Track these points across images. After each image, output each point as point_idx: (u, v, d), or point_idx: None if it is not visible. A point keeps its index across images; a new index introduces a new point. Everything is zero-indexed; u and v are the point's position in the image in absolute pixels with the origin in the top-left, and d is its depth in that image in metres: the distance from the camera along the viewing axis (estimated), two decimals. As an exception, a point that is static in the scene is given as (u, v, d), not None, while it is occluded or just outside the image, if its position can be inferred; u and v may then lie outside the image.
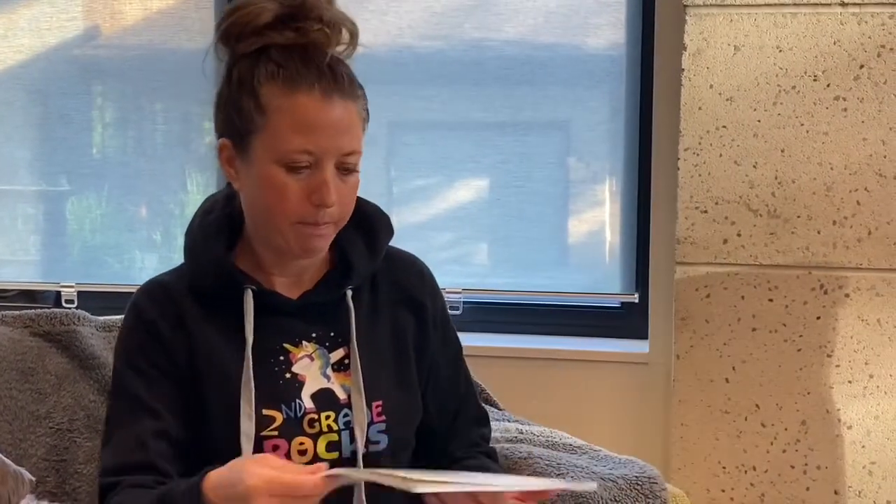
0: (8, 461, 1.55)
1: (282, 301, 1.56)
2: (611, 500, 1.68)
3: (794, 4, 2.43)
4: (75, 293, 2.87)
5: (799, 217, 2.47)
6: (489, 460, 1.71)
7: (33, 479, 1.56)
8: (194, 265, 1.58)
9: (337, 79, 1.47)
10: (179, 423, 1.53)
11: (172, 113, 2.99)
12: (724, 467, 2.55)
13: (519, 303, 2.90)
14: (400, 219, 2.87)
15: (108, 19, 2.99)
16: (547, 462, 1.76)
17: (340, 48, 1.52)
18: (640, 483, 1.73)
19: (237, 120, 1.48)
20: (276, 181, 1.46)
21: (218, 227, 1.57)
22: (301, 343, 1.57)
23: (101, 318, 2.03)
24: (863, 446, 2.50)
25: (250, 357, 1.51)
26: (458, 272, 2.86)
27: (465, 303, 2.83)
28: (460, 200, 2.90)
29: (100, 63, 3.01)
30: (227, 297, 1.54)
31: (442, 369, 1.69)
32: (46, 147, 3.00)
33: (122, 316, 2.03)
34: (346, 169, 1.49)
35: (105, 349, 1.97)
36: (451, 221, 2.90)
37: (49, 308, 2.09)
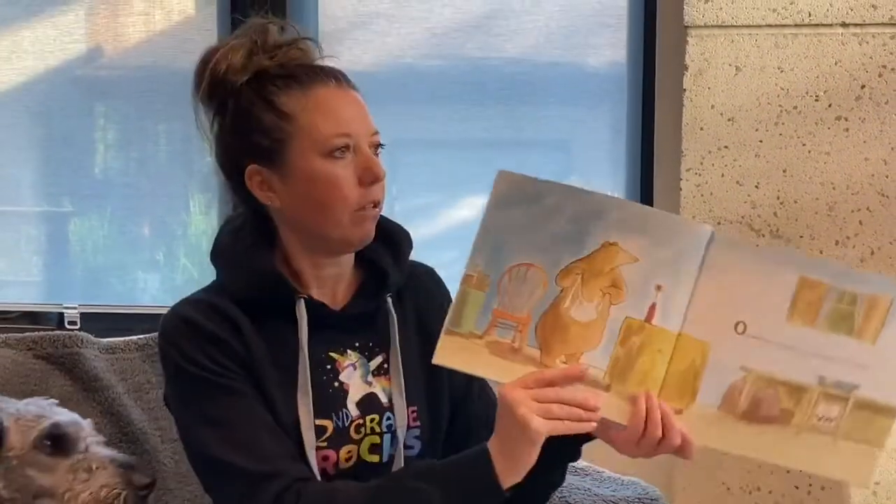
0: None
1: (328, 312, 1.57)
2: (614, 521, 1.68)
3: (796, 25, 2.44)
4: (78, 314, 2.86)
5: (801, 237, 2.47)
6: None
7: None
8: (242, 278, 1.56)
9: (340, 73, 1.56)
10: (269, 421, 1.51)
11: (175, 133, 3.00)
12: (728, 488, 2.54)
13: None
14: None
15: (110, 41, 2.99)
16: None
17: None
18: (644, 504, 1.73)
19: (262, 139, 1.51)
20: (328, 174, 1.50)
21: (256, 241, 1.58)
22: (346, 352, 1.59)
23: (104, 340, 2.04)
24: (866, 466, 2.49)
25: (307, 367, 1.52)
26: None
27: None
28: (462, 219, 2.90)
29: (102, 84, 3.01)
30: (274, 308, 1.54)
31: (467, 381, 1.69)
32: (49, 168, 2.99)
33: (126, 339, 2.06)
34: (376, 148, 1.54)
35: (108, 371, 1.98)
36: (453, 240, 2.90)
37: (52, 330, 2.09)
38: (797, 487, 2.51)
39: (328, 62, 1.59)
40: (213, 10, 2.91)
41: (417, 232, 2.83)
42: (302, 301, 1.54)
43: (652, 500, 1.75)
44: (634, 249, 1.38)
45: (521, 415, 1.32)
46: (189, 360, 1.50)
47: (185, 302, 1.58)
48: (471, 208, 2.89)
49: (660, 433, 1.35)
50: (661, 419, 1.35)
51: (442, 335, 1.42)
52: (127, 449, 1.87)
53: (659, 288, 1.37)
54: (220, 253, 1.60)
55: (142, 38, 2.98)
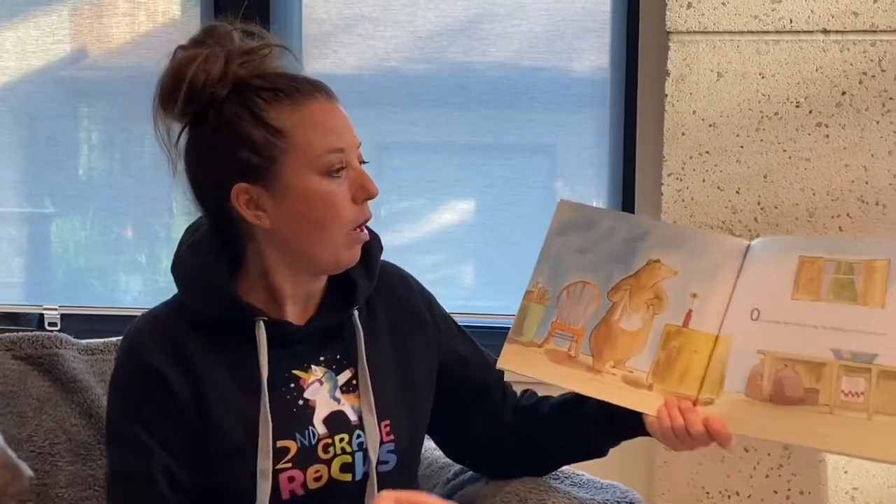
0: (10, 452, 1.53)
1: (291, 329, 1.54)
2: (592, 525, 1.68)
3: (777, 31, 2.45)
4: (58, 316, 2.86)
5: (781, 242, 2.48)
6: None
7: (32, 474, 1.55)
8: (198, 299, 1.53)
9: (324, 85, 1.52)
10: (187, 469, 1.50)
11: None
12: (707, 492, 2.55)
13: (505, 326, 2.88)
14: (386, 241, 2.88)
15: (94, 42, 2.99)
16: (530, 487, 1.75)
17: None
18: (622, 508, 1.72)
19: (251, 156, 1.45)
20: (324, 191, 1.46)
21: (216, 260, 1.53)
22: (310, 367, 1.55)
23: (84, 341, 2.03)
24: (845, 472, 2.50)
25: (266, 391, 1.49)
26: (444, 295, 2.85)
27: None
28: (445, 223, 2.90)
29: (86, 85, 3.01)
30: (232, 331, 1.51)
31: (462, 351, 1.71)
32: (31, 169, 2.99)
33: (105, 340, 2.05)
34: (362, 162, 1.52)
35: (87, 373, 1.97)
36: (436, 244, 2.91)
37: (32, 331, 2.08)
38: (776, 492, 2.52)
39: (296, 67, 1.56)
40: (197, 11, 2.91)
41: (401, 236, 2.85)
42: (261, 323, 1.50)
43: (631, 503, 1.74)
44: (673, 264, 1.54)
45: None
46: (119, 388, 1.53)
47: (146, 318, 1.56)
48: (454, 212, 2.90)
49: (682, 422, 1.45)
50: (683, 410, 1.45)
51: (505, 344, 1.61)
52: (105, 450, 1.86)
53: (694, 296, 1.51)
54: (178, 270, 1.56)
55: (126, 40, 2.98)
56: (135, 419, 1.50)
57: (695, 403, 1.48)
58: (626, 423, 1.57)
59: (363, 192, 1.49)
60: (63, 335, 2.01)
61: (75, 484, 1.88)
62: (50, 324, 2.85)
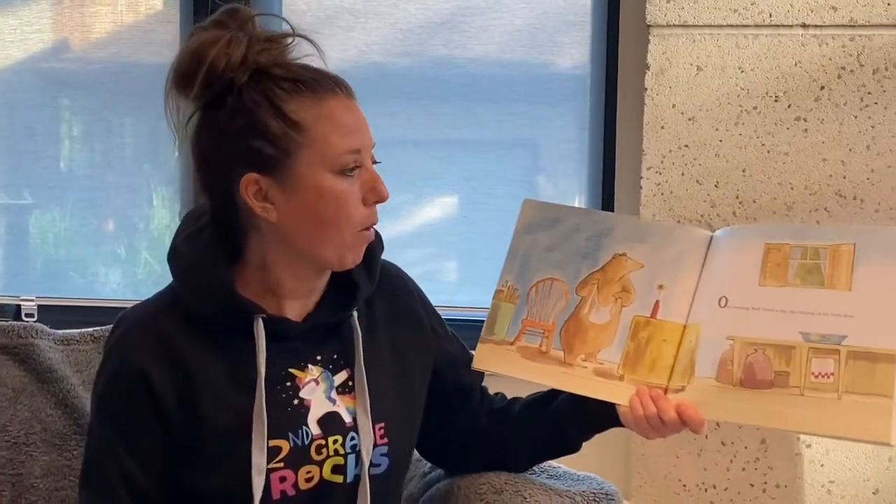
0: None
1: (289, 326, 1.52)
2: (568, 516, 1.68)
3: (756, 26, 2.46)
4: (35, 307, 2.85)
5: (760, 236, 2.49)
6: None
7: None
8: (196, 294, 1.50)
9: (344, 82, 1.50)
10: (157, 478, 1.49)
11: (140, 127, 2.99)
12: (684, 485, 2.55)
13: (487, 320, 2.90)
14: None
15: (76, 33, 2.98)
16: (506, 479, 1.75)
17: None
18: (598, 499, 1.72)
19: (266, 147, 1.42)
20: (336, 191, 1.44)
21: (216, 254, 1.50)
22: (307, 367, 1.54)
23: (60, 331, 2.02)
24: (822, 465, 2.51)
25: (263, 389, 1.47)
26: (428, 290, 2.85)
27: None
28: (426, 218, 2.90)
29: (67, 76, 3.00)
30: (229, 326, 1.49)
31: (453, 354, 1.72)
32: (10, 160, 2.98)
33: (82, 331, 2.05)
34: (375, 163, 1.50)
35: (63, 363, 1.96)
36: (417, 238, 2.90)
37: (7, 321, 2.08)
38: (752, 485, 2.52)
39: (305, 60, 1.51)
40: (178, 3, 2.90)
41: (382, 232, 2.85)
42: (260, 320, 1.48)
43: (607, 494, 1.74)
44: (639, 257, 1.56)
45: None
46: (102, 387, 1.51)
47: (136, 313, 1.54)
48: (435, 207, 2.90)
49: (654, 410, 1.46)
50: (654, 398, 1.47)
51: (479, 343, 1.64)
52: (81, 441, 1.86)
53: (661, 287, 1.54)
54: (176, 261, 1.53)
55: (108, 31, 2.97)
56: (109, 420, 1.50)
57: (666, 391, 1.49)
58: (597, 416, 1.58)
59: (374, 195, 1.47)
60: (39, 325, 2.00)
61: (50, 474, 1.88)
62: (27, 314, 2.84)
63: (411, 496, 1.83)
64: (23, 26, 2.94)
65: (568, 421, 1.64)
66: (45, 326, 2.01)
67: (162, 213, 2.96)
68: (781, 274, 1.46)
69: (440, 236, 2.91)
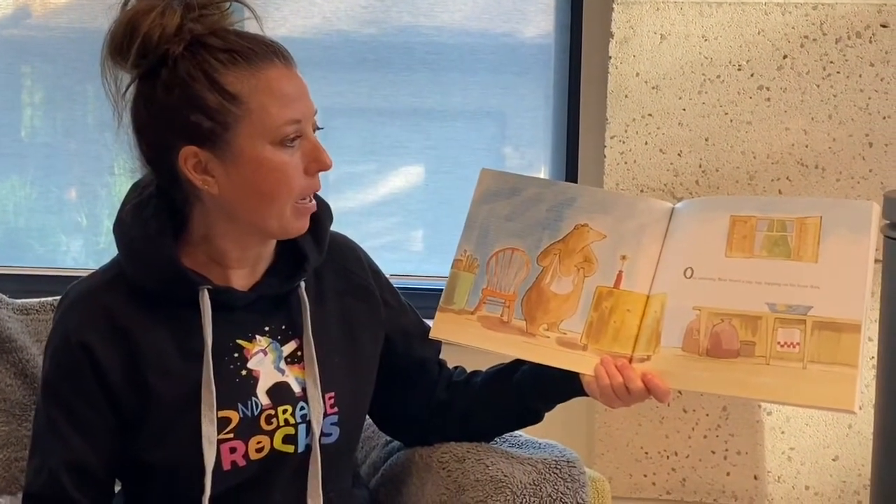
0: None
1: (236, 296, 1.51)
2: (530, 483, 1.67)
3: (720, -6, 2.46)
4: (-6, 276, 2.83)
5: (722, 205, 2.50)
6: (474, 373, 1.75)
7: None
8: (139, 267, 1.48)
9: (283, 49, 1.47)
10: (99, 449, 1.48)
11: (101, 94, 2.91)
12: (646, 452, 2.57)
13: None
14: (333, 207, 2.86)
15: (38, 1, 2.94)
16: (468, 448, 1.76)
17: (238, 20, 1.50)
18: (560, 466, 1.73)
19: (203, 120, 1.40)
20: (276, 162, 1.42)
21: (160, 226, 1.48)
22: (255, 337, 1.53)
23: (19, 300, 2.00)
24: (782, 432, 2.54)
25: (210, 360, 1.46)
26: (394, 259, 2.86)
27: (400, 289, 2.83)
28: (392, 187, 2.90)
29: (28, 43, 2.96)
30: (174, 298, 1.48)
31: (407, 326, 1.70)
32: (-30, 128, 2.96)
33: (41, 300, 2.03)
34: (315, 130, 1.48)
35: (22, 332, 1.94)
36: (383, 207, 2.90)
37: (-34, 291, 2.06)
38: (714, 452, 2.55)
39: (248, 26, 1.49)
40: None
41: (346, 202, 2.84)
42: (205, 292, 1.47)
43: (569, 462, 1.75)
44: (602, 227, 1.56)
45: None
46: (46, 361, 1.51)
47: (79, 288, 1.53)
48: (399, 176, 2.89)
49: (620, 379, 1.47)
50: (620, 367, 1.48)
51: (437, 312, 1.61)
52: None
53: (624, 258, 1.54)
54: (121, 234, 1.51)
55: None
56: (55, 397, 1.49)
57: (630, 361, 1.49)
58: (559, 386, 1.58)
59: (317, 164, 1.45)
60: (-3, 294, 1.99)
61: (10, 444, 1.86)
62: (-13, 284, 2.82)
63: (373, 465, 1.83)
64: (-18, -7, 2.91)
65: (530, 392, 1.64)
66: (3, 296, 1.99)
67: (123, 182, 2.93)
68: (748, 246, 1.46)
69: (406, 206, 2.90)
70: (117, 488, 1.61)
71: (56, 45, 2.94)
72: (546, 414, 1.71)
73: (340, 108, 2.87)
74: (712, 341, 1.44)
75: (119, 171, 2.94)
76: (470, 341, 1.59)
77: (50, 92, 3.02)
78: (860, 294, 1.38)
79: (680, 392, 2.51)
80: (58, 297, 2.04)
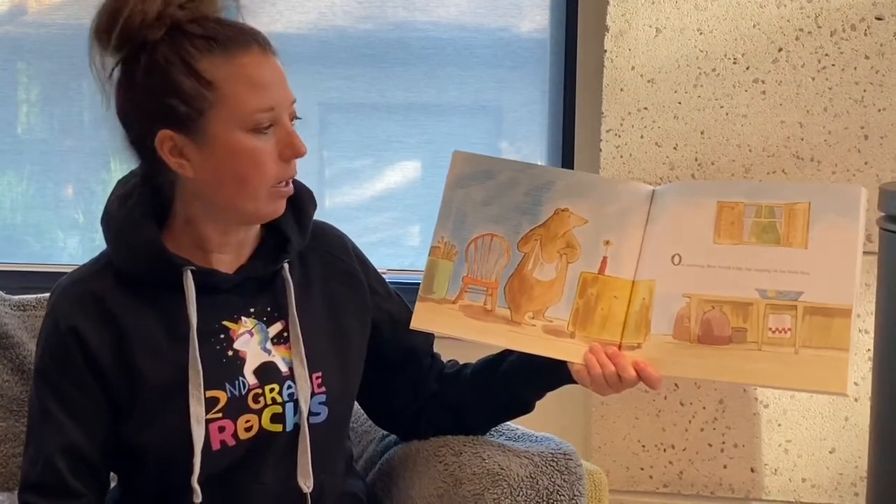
0: None
1: (220, 278, 1.53)
2: (527, 476, 1.68)
3: (715, -13, 2.46)
4: (-9, 272, 2.83)
5: (718, 198, 2.50)
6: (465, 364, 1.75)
7: None
8: (124, 252, 1.52)
9: (261, 37, 1.49)
10: (93, 434, 1.51)
11: (98, 92, 2.95)
12: (643, 445, 2.58)
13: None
14: (331, 202, 2.88)
15: (33, -3, 2.95)
16: (464, 441, 1.76)
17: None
18: (556, 459, 1.73)
19: (179, 105, 1.43)
20: (248, 148, 1.44)
21: (143, 212, 1.52)
22: (240, 319, 1.55)
23: (16, 297, 2.01)
24: (779, 424, 2.54)
25: (195, 340, 1.49)
26: (391, 255, 2.86)
27: (397, 284, 2.82)
28: (389, 183, 2.90)
29: (24, 40, 2.96)
30: (160, 282, 1.51)
31: (394, 313, 1.70)
32: (-34, 125, 2.95)
33: (38, 296, 2.03)
34: (293, 118, 1.50)
35: (20, 328, 1.95)
36: (380, 202, 2.90)
37: (-37, 287, 2.06)
38: (710, 445, 2.55)
39: (234, 15, 1.51)
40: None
41: (343, 197, 2.84)
42: (189, 273, 1.50)
43: (565, 455, 1.75)
44: (583, 212, 1.54)
45: None
46: (38, 349, 1.54)
47: (68, 279, 1.56)
48: (396, 172, 2.89)
49: (612, 368, 1.46)
50: (611, 356, 1.47)
51: (417, 302, 1.58)
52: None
53: (608, 243, 1.52)
54: (107, 221, 1.56)
55: (66, -5, 2.95)
56: (48, 384, 1.51)
57: (619, 348, 1.49)
58: (547, 375, 1.59)
59: (290, 151, 1.48)
60: (-7, 290, 1.99)
61: (7, 440, 1.87)
62: (-17, 280, 2.82)
63: (370, 459, 1.83)
64: (-22, -10, 2.91)
65: (518, 381, 1.64)
66: (1, 292, 2.00)
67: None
68: (736, 232, 1.46)
69: (402, 201, 2.91)
70: (113, 484, 1.62)
71: (52, 42, 2.93)
72: (542, 406, 1.71)
73: (336, 103, 2.87)
74: (704, 328, 1.44)
75: (115, 168, 2.94)
76: (452, 331, 1.56)
77: (46, 88, 3.02)
78: (850, 278, 1.39)
79: (677, 385, 2.51)
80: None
